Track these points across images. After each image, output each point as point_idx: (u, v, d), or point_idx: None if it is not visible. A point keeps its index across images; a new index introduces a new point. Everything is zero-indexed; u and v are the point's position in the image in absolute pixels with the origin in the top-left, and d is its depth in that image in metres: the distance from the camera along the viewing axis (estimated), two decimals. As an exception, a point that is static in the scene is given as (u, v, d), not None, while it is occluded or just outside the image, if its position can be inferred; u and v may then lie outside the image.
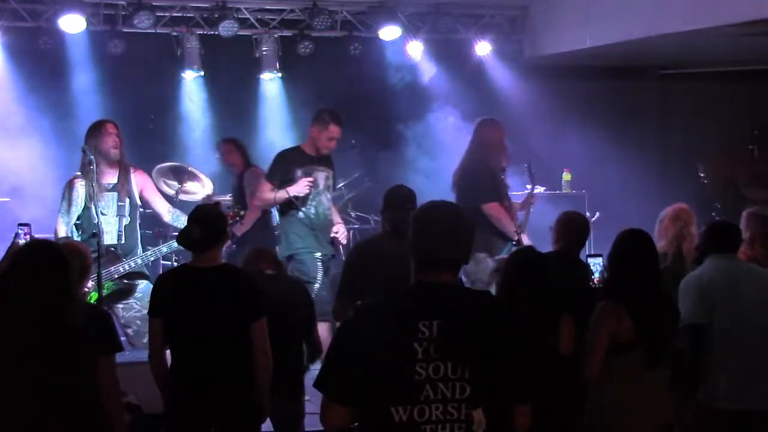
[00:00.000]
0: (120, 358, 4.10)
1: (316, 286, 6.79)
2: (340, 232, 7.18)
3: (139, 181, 6.64)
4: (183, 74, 9.41)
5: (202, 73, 9.39)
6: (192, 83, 9.58)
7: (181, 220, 6.46)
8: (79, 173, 6.44)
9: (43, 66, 8.88)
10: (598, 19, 8.84)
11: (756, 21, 7.22)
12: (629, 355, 4.23)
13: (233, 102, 9.79)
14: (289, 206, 6.97)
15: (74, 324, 3.68)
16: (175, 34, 9.20)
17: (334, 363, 2.92)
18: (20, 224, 5.96)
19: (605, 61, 10.32)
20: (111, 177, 6.51)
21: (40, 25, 8.68)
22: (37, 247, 3.96)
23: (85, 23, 8.54)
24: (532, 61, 9.91)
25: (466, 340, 2.82)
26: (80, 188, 6.39)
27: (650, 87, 11.20)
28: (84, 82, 9.04)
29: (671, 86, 11.11)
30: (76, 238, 6.33)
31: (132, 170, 6.62)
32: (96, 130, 6.45)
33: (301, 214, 6.96)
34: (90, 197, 6.26)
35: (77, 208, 6.41)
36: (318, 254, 6.96)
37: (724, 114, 10.50)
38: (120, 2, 8.83)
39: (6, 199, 8.38)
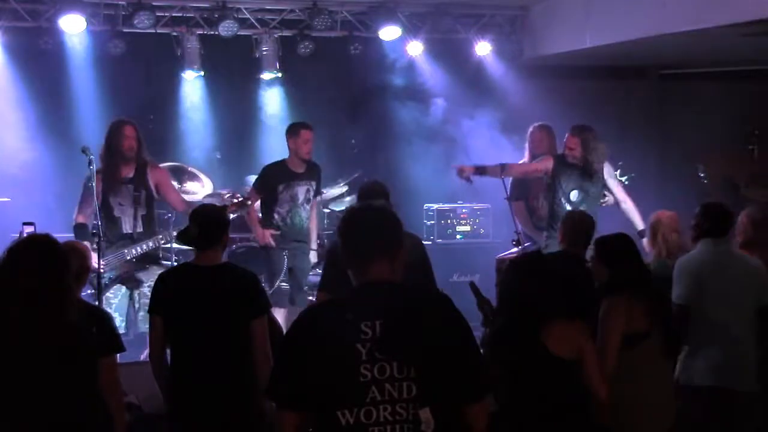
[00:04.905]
0: (120, 357, 4.10)
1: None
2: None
3: (155, 176, 7.14)
4: (183, 74, 9.39)
5: (202, 73, 9.38)
6: (192, 83, 9.57)
7: None
8: (96, 169, 6.83)
9: (43, 66, 8.87)
10: (598, 19, 8.82)
11: (756, 21, 7.20)
12: (643, 346, 4.25)
13: (233, 102, 9.78)
14: (266, 214, 7.68)
15: (73, 321, 3.60)
16: (175, 34, 9.18)
17: (281, 369, 2.89)
18: (25, 222, 5.98)
19: (605, 61, 10.31)
20: (128, 171, 7.07)
21: (40, 25, 8.67)
22: (35, 242, 3.74)
23: (85, 23, 8.53)
24: (532, 61, 9.90)
25: (409, 339, 2.78)
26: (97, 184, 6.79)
27: (650, 87, 11.19)
28: (84, 82, 9.04)
29: (671, 86, 11.10)
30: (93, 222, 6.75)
31: (149, 166, 7.11)
32: (115, 130, 7.04)
33: (277, 220, 7.61)
34: (98, 194, 6.72)
35: (95, 201, 6.74)
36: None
37: (724, 114, 10.48)
38: (120, 2, 8.82)
39: (6, 199, 8.37)
